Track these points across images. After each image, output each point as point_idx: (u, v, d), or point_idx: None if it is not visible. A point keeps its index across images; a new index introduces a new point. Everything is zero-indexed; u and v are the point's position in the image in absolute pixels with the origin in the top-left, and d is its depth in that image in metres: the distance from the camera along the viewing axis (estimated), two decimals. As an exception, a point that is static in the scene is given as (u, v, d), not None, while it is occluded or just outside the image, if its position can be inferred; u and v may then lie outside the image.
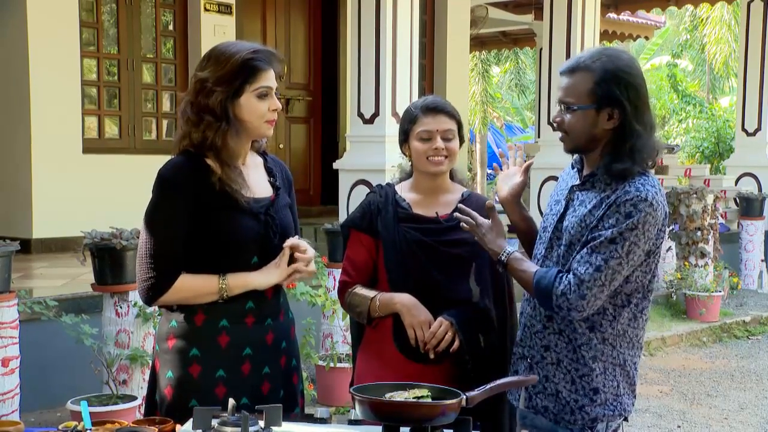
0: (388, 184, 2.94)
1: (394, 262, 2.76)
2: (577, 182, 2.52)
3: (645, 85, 2.46)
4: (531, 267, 2.47)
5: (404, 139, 2.83)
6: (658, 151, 2.48)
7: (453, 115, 2.80)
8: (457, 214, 2.63)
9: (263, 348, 2.53)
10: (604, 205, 2.39)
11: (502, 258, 2.50)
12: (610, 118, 2.41)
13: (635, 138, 2.39)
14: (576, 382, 2.48)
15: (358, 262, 2.83)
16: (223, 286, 2.44)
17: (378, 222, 2.80)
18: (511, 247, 2.52)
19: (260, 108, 2.46)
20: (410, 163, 2.88)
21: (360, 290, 2.80)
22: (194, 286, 2.45)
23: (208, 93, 2.44)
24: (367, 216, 2.84)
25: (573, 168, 2.61)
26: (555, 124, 2.51)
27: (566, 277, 2.36)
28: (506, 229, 2.65)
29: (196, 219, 2.44)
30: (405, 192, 2.87)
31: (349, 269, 2.84)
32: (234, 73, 2.43)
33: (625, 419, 2.61)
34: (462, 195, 2.86)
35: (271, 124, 2.52)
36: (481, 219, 2.59)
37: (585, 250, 2.37)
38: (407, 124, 2.81)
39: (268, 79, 2.47)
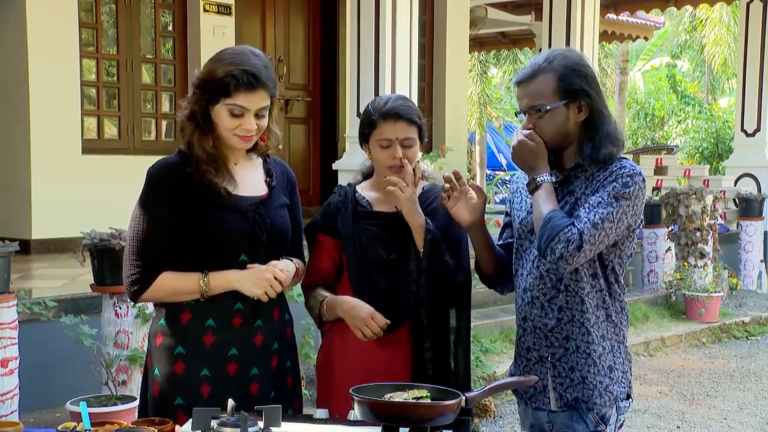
0: (348, 184, 2.91)
1: (354, 260, 2.74)
2: (554, 178, 2.55)
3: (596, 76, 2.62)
4: (553, 205, 2.49)
5: (364, 140, 2.79)
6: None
7: (413, 120, 2.72)
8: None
9: (251, 349, 2.54)
10: (600, 178, 2.49)
11: (538, 180, 2.51)
12: (580, 111, 2.52)
13: (607, 122, 2.53)
14: (597, 363, 2.55)
15: (319, 266, 2.81)
16: (203, 286, 2.45)
17: (338, 221, 2.79)
18: (548, 176, 2.52)
19: (228, 122, 2.46)
20: (370, 162, 2.85)
21: (316, 292, 2.79)
22: (175, 284, 2.48)
23: (194, 93, 2.49)
24: (327, 217, 2.83)
25: None
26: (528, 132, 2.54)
27: (574, 228, 2.41)
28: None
29: (182, 217, 2.46)
30: (366, 191, 2.85)
31: (311, 272, 2.82)
32: (213, 83, 2.44)
33: (631, 400, 2.70)
34: (422, 189, 2.84)
35: (244, 140, 2.49)
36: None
37: (584, 209, 2.45)
38: (366, 127, 2.75)
39: (246, 100, 2.44)
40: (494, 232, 2.89)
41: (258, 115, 2.48)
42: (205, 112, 2.47)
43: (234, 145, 2.51)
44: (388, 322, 2.65)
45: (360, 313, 2.66)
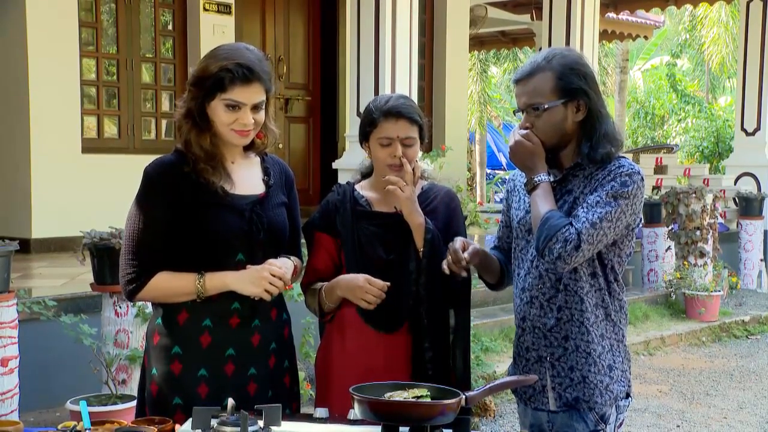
0: (347, 182, 2.91)
1: (353, 260, 2.74)
2: (551, 178, 2.54)
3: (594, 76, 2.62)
4: (551, 204, 2.49)
5: (364, 138, 2.78)
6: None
7: (414, 120, 2.72)
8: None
9: (248, 349, 2.54)
10: (598, 177, 2.49)
11: (536, 180, 2.51)
12: (578, 110, 2.51)
13: (605, 122, 2.52)
14: (597, 362, 2.54)
15: (317, 265, 2.81)
16: (200, 287, 2.45)
17: (337, 220, 2.79)
18: (545, 176, 2.52)
19: (225, 117, 2.45)
20: (370, 161, 2.85)
21: (314, 284, 2.79)
22: (171, 284, 2.47)
23: (189, 90, 2.49)
24: (325, 215, 2.82)
25: None
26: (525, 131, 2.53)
27: (572, 228, 2.41)
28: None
29: (179, 216, 2.46)
30: (365, 190, 2.84)
31: (309, 272, 2.83)
32: (207, 78, 2.44)
33: (630, 399, 2.70)
34: (422, 188, 2.84)
35: (241, 135, 2.49)
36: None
37: (582, 208, 2.45)
38: (367, 126, 2.75)
39: (242, 94, 2.44)
40: (495, 232, 2.90)
41: (254, 109, 2.48)
42: (202, 109, 2.47)
43: (231, 141, 2.51)
44: (387, 284, 2.64)
45: (357, 283, 2.65)
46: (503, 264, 2.77)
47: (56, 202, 7.45)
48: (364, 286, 2.63)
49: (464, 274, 2.59)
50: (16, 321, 4.34)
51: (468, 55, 12.28)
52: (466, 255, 2.53)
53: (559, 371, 2.57)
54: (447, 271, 2.56)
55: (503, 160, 24.75)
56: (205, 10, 8.60)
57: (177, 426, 2.26)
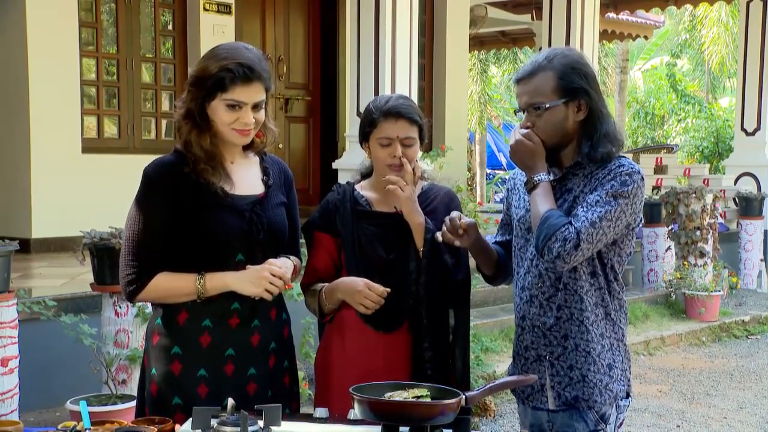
0: (347, 182, 2.91)
1: (353, 260, 2.74)
2: (551, 178, 2.55)
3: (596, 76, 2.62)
4: (551, 203, 2.49)
5: (364, 138, 2.79)
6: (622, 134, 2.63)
7: (414, 120, 2.72)
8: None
9: (248, 349, 2.54)
10: (599, 176, 2.49)
11: (536, 179, 2.51)
12: (579, 110, 2.51)
13: (606, 122, 2.53)
14: (597, 361, 2.55)
15: (317, 264, 2.81)
16: (200, 287, 2.45)
17: (337, 220, 2.79)
18: (545, 175, 2.52)
19: (226, 117, 2.45)
20: (370, 161, 2.85)
21: (314, 285, 2.79)
22: (172, 285, 2.47)
23: (189, 91, 2.49)
24: (325, 215, 2.82)
25: None
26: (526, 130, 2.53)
27: (571, 227, 2.41)
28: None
29: (179, 216, 2.46)
30: (365, 190, 2.84)
31: (309, 272, 2.82)
32: (208, 78, 2.44)
33: (630, 398, 2.70)
34: (422, 189, 2.84)
35: (242, 134, 2.49)
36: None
37: (582, 207, 2.45)
38: (367, 126, 2.75)
39: (243, 93, 2.44)
40: (495, 232, 2.90)
41: (255, 108, 2.48)
42: (202, 109, 2.46)
43: (232, 140, 2.51)
44: (387, 290, 2.63)
45: (356, 287, 2.65)
46: (501, 257, 2.78)
47: (56, 202, 7.45)
48: (363, 291, 2.63)
49: (457, 243, 2.59)
50: (16, 321, 4.35)
51: (468, 55, 12.28)
52: (463, 222, 2.55)
53: (558, 370, 2.57)
54: (440, 239, 2.57)
55: (503, 160, 24.75)
56: (205, 10, 8.60)
57: (177, 426, 2.26)
